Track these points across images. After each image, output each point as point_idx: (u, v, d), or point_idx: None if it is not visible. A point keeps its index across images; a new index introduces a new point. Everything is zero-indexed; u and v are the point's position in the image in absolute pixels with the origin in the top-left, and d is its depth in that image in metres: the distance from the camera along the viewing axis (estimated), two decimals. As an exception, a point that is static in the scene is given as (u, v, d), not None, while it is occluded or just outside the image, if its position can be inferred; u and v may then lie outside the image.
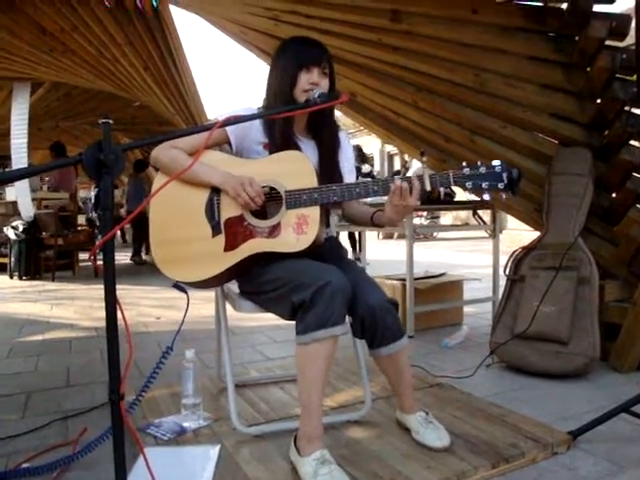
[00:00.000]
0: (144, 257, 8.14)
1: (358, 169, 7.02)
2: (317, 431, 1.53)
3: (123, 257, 8.46)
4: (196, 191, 1.67)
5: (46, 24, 4.89)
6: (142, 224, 7.75)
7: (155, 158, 1.68)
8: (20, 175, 1.09)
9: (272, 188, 1.63)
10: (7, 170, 7.10)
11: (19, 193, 6.48)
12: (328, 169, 1.75)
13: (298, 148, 1.70)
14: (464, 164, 1.55)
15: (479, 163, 1.54)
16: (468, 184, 1.53)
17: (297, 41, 1.77)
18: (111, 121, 1.02)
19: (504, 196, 1.58)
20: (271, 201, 1.64)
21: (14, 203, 6.73)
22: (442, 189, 3.33)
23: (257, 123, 1.73)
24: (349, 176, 1.87)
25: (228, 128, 1.70)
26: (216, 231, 1.64)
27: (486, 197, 1.55)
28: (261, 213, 1.64)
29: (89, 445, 1.64)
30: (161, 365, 1.62)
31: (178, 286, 1.64)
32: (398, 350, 1.68)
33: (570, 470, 1.57)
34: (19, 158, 6.62)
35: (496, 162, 1.53)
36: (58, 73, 6.01)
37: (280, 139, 1.69)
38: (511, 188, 1.52)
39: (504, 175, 1.52)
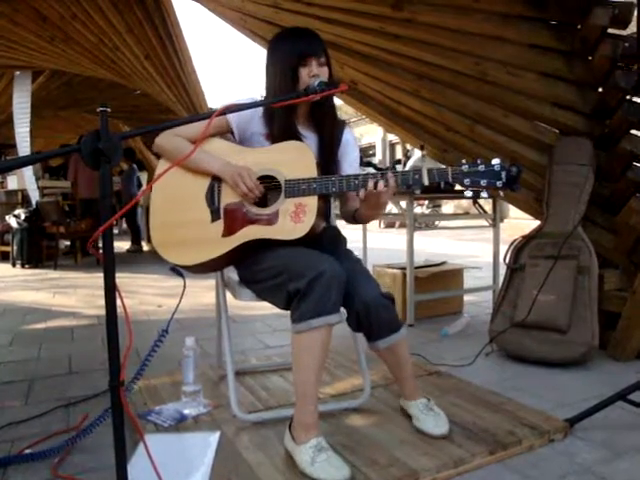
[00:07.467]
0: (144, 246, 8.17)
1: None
2: (313, 419, 1.55)
3: (124, 245, 8.48)
4: (198, 177, 1.69)
5: (46, 12, 4.87)
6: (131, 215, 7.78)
7: (158, 145, 1.71)
8: (19, 164, 1.10)
9: (273, 177, 1.64)
10: (9, 158, 7.13)
11: (28, 181, 6.58)
12: (327, 162, 1.75)
13: (299, 139, 1.71)
14: (463, 161, 1.55)
15: (479, 161, 1.53)
16: (466, 181, 1.53)
17: (290, 35, 1.74)
18: (109, 109, 1.02)
19: (501, 194, 1.59)
20: (271, 189, 1.65)
21: (16, 191, 6.79)
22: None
23: (259, 114, 1.73)
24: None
25: (230, 117, 1.71)
26: (215, 216, 1.66)
27: (484, 195, 1.55)
28: (261, 200, 1.65)
29: (86, 428, 1.66)
30: (157, 347, 1.64)
31: (175, 270, 1.66)
32: (395, 342, 1.68)
33: (566, 457, 1.58)
34: (23, 147, 6.66)
35: (495, 160, 1.52)
36: (59, 61, 5.98)
37: (281, 130, 1.69)
38: (510, 186, 1.52)
39: (503, 174, 1.51)
